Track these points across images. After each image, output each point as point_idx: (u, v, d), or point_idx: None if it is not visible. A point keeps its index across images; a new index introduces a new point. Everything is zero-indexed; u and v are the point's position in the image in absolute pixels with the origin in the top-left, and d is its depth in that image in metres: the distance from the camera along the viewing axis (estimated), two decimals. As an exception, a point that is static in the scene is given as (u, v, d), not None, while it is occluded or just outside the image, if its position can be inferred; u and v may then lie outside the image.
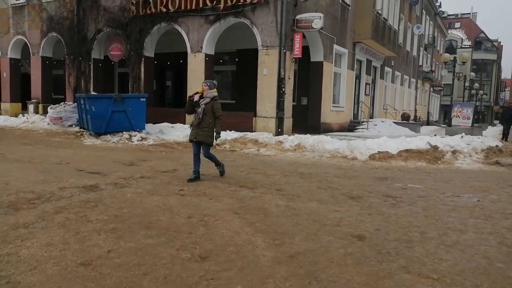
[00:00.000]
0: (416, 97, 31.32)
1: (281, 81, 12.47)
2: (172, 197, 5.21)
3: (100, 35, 16.44)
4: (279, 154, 9.59)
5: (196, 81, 14.05)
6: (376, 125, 17.29)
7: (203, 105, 6.00)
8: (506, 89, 76.13)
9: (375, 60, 20.46)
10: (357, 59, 18.15)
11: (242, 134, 11.27)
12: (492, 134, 16.34)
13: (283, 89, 12.51)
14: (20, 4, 19.09)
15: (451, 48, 47.81)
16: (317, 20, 12.47)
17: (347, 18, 16.65)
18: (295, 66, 13.45)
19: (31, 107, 18.31)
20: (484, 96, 54.91)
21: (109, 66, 18.29)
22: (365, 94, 19.61)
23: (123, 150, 9.88)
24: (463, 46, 55.41)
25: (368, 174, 7.25)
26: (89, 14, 16.53)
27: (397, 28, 21.01)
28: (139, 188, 5.66)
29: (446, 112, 49.20)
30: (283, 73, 12.44)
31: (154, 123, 13.22)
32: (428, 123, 34.06)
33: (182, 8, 14.06)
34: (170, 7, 14.27)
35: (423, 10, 29.89)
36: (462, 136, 9.75)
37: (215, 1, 13.35)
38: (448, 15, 59.10)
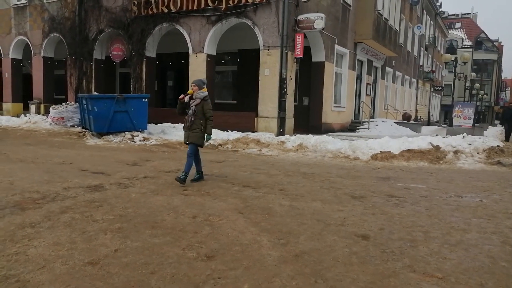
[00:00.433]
0: (416, 97, 31.35)
1: (282, 81, 12.50)
2: (176, 197, 5.24)
3: (102, 36, 16.48)
4: (281, 154, 9.62)
5: (198, 81, 14.08)
6: (377, 125, 17.31)
7: (193, 107, 5.88)
8: (506, 89, 76.18)
9: (376, 60, 20.49)
10: (358, 59, 18.18)
11: (244, 134, 11.30)
12: (493, 134, 16.35)
13: (285, 89, 12.54)
14: (22, 5, 19.14)
15: (451, 48, 47.82)
16: (318, 20, 12.50)
17: (348, 18, 16.68)
18: (296, 66, 13.48)
19: (32, 108, 18.36)
20: (485, 96, 54.91)
21: (110, 66, 18.36)
22: (366, 94, 19.64)
23: (125, 150, 9.91)
24: (463, 46, 55.43)
25: (371, 174, 7.28)
26: (91, 14, 16.57)
27: (398, 28, 21.03)
28: (143, 188, 5.69)
29: (446, 112, 49.24)
30: (284, 74, 12.47)
31: (156, 123, 13.26)
32: (428, 123, 34.09)
33: (184, 8, 14.09)
34: (171, 7, 14.30)
35: (424, 10, 29.92)
36: (463, 136, 9.78)
37: (216, 2, 13.38)
38: (448, 15, 59.12)
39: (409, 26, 25.52)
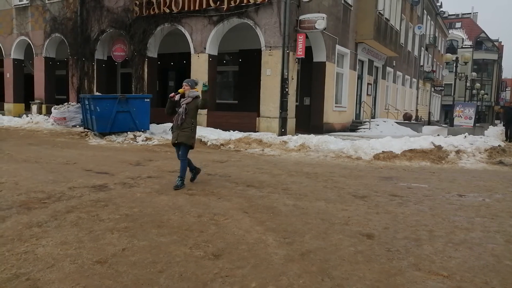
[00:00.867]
0: (417, 97, 31.38)
1: (284, 82, 12.54)
2: (181, 196, 5.27)
3: (104, 36, 16.51)
4: (283, 154, 9.65)
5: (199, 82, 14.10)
6: (378, 125, 17.34)
7: (185, 105, 5.66)
8: (507, 89, 76.18)
9: (377, 60, 20.52)
10: (359, 60, 18.21)
11: (246, 134, 11.33)
12: (494, 134, 16.37)
13: (286, 89, 12.57)
14: (24, 5, 19.17)
15: (452, 48, 47.83)
16: (320, 20, 12.53)
17: (349, 18, 16.71)
18: (297, 66, 13.51)
19: (34, 108, 18.40)
20: (485, 96, 54.94)
21: (112, 66, 18.39)
22: (367, 94, 19.67)
23: (128, 150, 9.94)
24: (464, 46, 55.45)
25: (373, 174, 7.31)
26: (92, 15, 16.60)
27: (398, 29, 21.06)
28: (147, 188, 5.72)
29: (447, 112, 49.29)
30: (286, 74, 12.50)
31: (158, 124, 13.28)
32: (429, 123, 34.11)
33: (186, 9, 14.13)
34: (173, 8, 14.33)
35: (424, 10, 29.95)
36: (465, 136, 9.81)
37: (218, 2, 13.41)
38: (449, 15, 59.17)
39: (409, 26, 25.55)
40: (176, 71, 19.67)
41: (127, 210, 4.58)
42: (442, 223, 4.35)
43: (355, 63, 17.75)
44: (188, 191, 5.55)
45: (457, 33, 57.62)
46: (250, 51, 15.78)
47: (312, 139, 10.21)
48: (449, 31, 48.82)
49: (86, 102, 12.34)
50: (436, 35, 35.67)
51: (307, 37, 13.39)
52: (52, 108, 15.16)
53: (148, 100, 12.14)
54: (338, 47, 15.62)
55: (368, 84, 19.71)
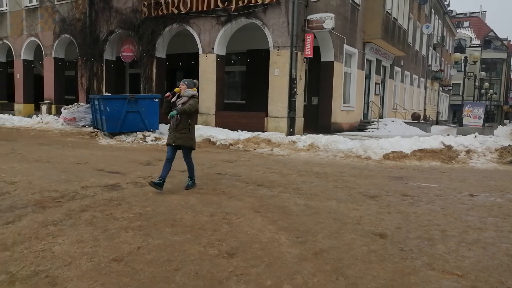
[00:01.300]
0: (425, 97, 31.22)
1: (292, 81, 12.55)
2: (193, 195, 5.31)
3: (112, 37, 16.63)
4: (292, 154, 9.66)
5: (208, 82, 14.20)
6: (386, 124, 17.28)
7: (180, 105, 5.41)
8: (516, 88, 75.35)
9: (385, 59, 20.45)
10: (367, 59, 18.17)
11: (254, 134, 11.36)
12: (503, 134, 16.25)
13: (295, 89, 12.58)
14: (33, 6, 19.37)
15: (460, 47, 47.53)
16: (328, 20, 12.52)
17: (357, 18, 16.68)
18: (305, 66, 13.52)
19: (44, 108, 18.58)
20: (494, 95, 54.47)
21: (120, 67, 18.50)
22: (375, 93, 19.62)
23: (138, 150, 10.02)
24: (472, 45, 55.02)
25: (383, 174, 7.30)
26: (101, 15, 16.73)
27: (406, 28, 20.97)
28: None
29: (455, 112, 48.95)
30: (294, 73, 12.51)
31: (166, 123, 13.32)
32: (437, 122, 33.91)
33: (194, 9, 14.19)
34: (181, 8, 14.40)
35: (432, 10, 29.79)
36: (475, 136, 9.76)
37: (226, 2, 13.46)
38: (456, 14, 58.73)
39: (417, 25, 25.43)
40: (184, 71, 19.71)
41: (140, 209, 4.63)
42: (455, 222, 4.35)
43: (363, 63, 17.72)
44: (200, 190, 5.59)
45: (465, 32, 57.18)
46: (258, 51, 15.81)
47: (321, 139, 10.22)
48: (457, 30, 48.46)
49: (96, 102, 12.45)
50: (444, 34, 35.45)
51: (315, 37, 13.38)
52: (62, 108, 15.30)
53: (157, 100, 12.21)
54: (346, 46, 15.60)
55: (376, 83, 19.65)
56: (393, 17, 18.36)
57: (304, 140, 10.31)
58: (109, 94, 13.88)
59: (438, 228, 4.14)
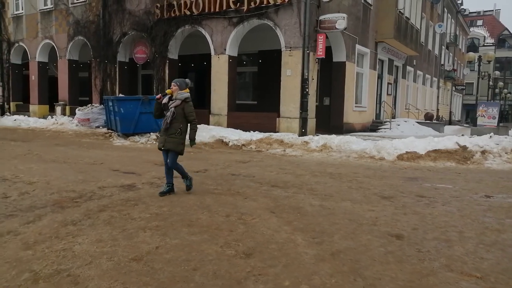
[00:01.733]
0: (438, 97, 30.88)
1: (304, 82, 12.53)
2: (208, 196, 5.35)
3: (126, 38, 16.80)
4: (305, 154, 9.66)
5: (220, 82, 14.26)
6: (399, 125, 17.14)
7: (173, 108, 5.17)
8: (531, 88, 74.01)
9: (397, 59, 20.29)
10: (379, 59, 18.05)
11: (267, 134, 11.38)
12: (519, 134, 15.99)
13: (307, 90, 12.56)
14: (48, 9, 19.67)
15: (473, 46, 46.89)
16: (340, 20, 12.47)
17: (369, 18, 16.58)
18: (317, 66, 13.48)
19: (58, 109, 18.85)
20: (508, 95, 53.62)
21: (133, 68, 18.68)
22: (387, 94, 19.48)
23: (152, 151, 10.10)
24: (485, 44, 54.22)
25: (398, 174, 7.26)
26: (114, 18, 16.91)
27: (419, 27, 20.78)
28: (174, 187, 5.81)
29: (468, 112, 48.32)
30: (306, 74, 12.49)
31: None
32: (450, 122, 33.51)
33: (206, 10, 14.26)
34: (194, 10, 14.48)
35: (445, 8, 29.45)
36: (490, 136, 9.63)
37: (238, 4, 13.49)
38: (469, 12, 57.97)
39: (430, 24, 25.18)
40: (196, 72, 19.85)
41: (156, 209, 4.69)
42: (472, 224, 4.31)
43: (375, 63, 17.60)
44: (214, 191, 5.64)
45: (479, 31, 56.35)
46: (270, 51, 15.82)
47: (334, 140, 10.19)
48: (470, 29, 47.83)
49: (110, 104, 12.59)
50: (457, 33, 35.02)
51: (327, 37, 13.35)
52: (76, 110, 15.51)
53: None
54: (358, 46, 15.52)
55: (388, 83, 19.51)
56: (406, 17, 18.21)
57: (317, 140, 10.29)
58: (123, 96, 14.03)
59: (455, 229, 4.11)
